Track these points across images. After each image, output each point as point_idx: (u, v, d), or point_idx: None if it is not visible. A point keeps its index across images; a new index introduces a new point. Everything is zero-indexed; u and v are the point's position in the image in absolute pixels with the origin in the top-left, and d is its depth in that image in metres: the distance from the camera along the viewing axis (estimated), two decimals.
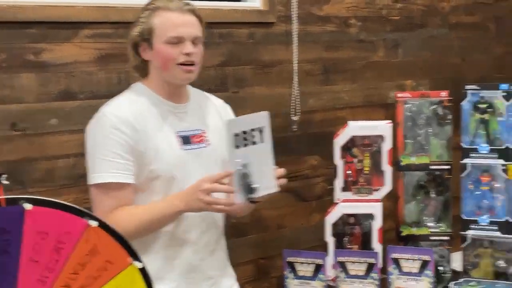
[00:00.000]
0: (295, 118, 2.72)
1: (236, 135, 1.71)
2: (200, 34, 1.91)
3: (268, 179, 1.78)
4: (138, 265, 1.41)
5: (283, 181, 1.86)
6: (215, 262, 1.98)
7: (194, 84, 2.07)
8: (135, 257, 1.40)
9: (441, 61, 3.14)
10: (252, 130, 1.74)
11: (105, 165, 1.83)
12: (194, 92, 2.07)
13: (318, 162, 2.82)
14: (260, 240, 2.71)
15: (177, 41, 1.84)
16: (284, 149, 2.68)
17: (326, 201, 2.73)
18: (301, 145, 2.78)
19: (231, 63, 2.59)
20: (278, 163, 2.68)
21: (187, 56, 1.84)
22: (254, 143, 1.74)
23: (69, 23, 2.24)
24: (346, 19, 2.86)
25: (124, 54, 2.14)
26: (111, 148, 1.83)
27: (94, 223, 1.34)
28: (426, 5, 3.06)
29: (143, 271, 1.42)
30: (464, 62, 3.22)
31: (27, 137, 2.20)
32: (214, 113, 2.04)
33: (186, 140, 1.89)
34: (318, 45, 2.80)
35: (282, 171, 1.88)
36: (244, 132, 1.72)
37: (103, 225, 1.35)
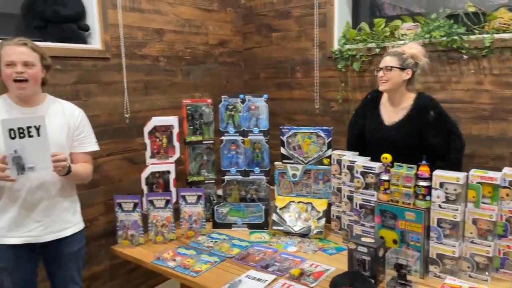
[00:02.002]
0: (127, 115, 2.49)
1: (11, 130, 1.44)
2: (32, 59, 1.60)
3: (43, 161, 1.51)
4: None
5: (62, 164, 1.58)
6: (43, 212, 1.67)
7: (55, 94, 1.82)
8: None
9: (215, 82, 3.05)
10: (29, 127, 1.46)
11: None
12: (49, 99, 1.76)
13: (142, 141, 2.60)
14: (108, 189, 2.42)
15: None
16: (121, 134, 2.48)
17: None
18: (132, 131, 2.52)
19: (82, 82, 2.27)
20: (119, 142, 2.48)
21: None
22: (30, 136, 1.47)
23: None
24: (157, 57, 2.65)
25: None
26: None
27: None
28: (205, 50, 2.94)
29: None
30: (228, 83, 3.17)
31: None
32: (58, 113, 1.74)
33: None
34: (140, 72, 2.56)
35: (59, 156, 1.58)
36: (20, 128, 1.45)
37: None
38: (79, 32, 2.30)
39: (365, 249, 1.54)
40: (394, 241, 1.64)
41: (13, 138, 1.43)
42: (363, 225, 1.79)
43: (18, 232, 1.64)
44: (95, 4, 2.29)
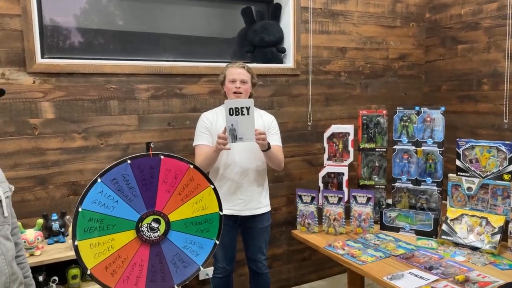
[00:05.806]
0: (309, 123, 3.03)
1: (231, 108, 2.00)
2: (247, 78, 2.26)
3: (249, 134, 2.05)
4: (212, 186, 1.74)
5: (262, 136, 2.10)
6: (246, 192, 2.31)
7: (257, 104, 2.37)
8: (211, 182, 1.74)
9: (392, 94, 3.34)
10: (242, 107, 2.00)
11: (198, 136, 2.30)
12: None
13: (321, 146, 3.08)
14: (290, 185, 3.03)
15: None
16: (304, 139, 3.03)
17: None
18: (313, 137, 3.06)
19: (276, 95, 2.94)
20: (301, 146, 3.05)
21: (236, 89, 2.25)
22: (242, 114, 2.00)
23: (195, 75, 2.67)
24: (339, 72, 3.13)
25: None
26: (200, 128, 2.29)
27: (192, 166, 1.70)
28: (384, 64, 3.28)
29: (214, 189, 1.75)
30: (406, 95, 3.40)
31: (175, 129, 2.64)
32: (258, 118, 2.31)
33: None
34: (323, 86, 3.08)
35: (260, 130, 2.10)
36: (236, 108, 2.00)
37: (196, 167, 1.70)
38: (277, 54, 2.98)
39: None
40: None
41: (231, 115, 2.04)
42: None
43: (227, 205, 2.33)
44: (291, 31, 2.93)
